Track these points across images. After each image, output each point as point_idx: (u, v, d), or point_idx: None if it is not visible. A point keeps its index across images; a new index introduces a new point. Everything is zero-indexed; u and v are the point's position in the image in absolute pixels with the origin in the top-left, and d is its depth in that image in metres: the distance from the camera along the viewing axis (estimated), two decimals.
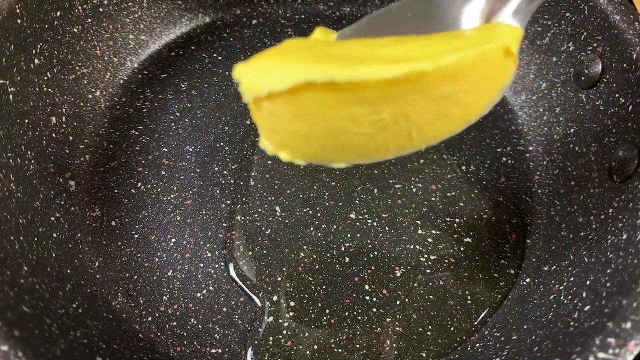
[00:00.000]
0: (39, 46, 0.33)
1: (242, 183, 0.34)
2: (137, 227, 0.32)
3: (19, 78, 0.31)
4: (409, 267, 0.31)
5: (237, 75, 0.19)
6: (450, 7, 0.23)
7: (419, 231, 0.32)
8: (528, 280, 0.31)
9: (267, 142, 0.20)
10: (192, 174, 0.34)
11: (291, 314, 0.29)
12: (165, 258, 0.31)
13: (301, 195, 0.34)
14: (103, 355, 0.26)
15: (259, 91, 0.19)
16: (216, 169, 0.35)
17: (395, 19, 0.23)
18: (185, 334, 0.29)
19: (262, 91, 0.18)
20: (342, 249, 0.32)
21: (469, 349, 0.28)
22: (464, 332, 0.29)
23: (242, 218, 0.33)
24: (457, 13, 0.23)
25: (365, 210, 0.33)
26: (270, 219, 0.33)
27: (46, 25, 0.33)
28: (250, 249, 0.32)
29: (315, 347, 0.29)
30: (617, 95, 0.30)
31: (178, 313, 0.30)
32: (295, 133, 0.19)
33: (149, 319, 0.29)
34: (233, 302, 0.30)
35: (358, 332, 0.29)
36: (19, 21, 0.31)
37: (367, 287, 0.30)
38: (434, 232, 0.32)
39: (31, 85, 0.32)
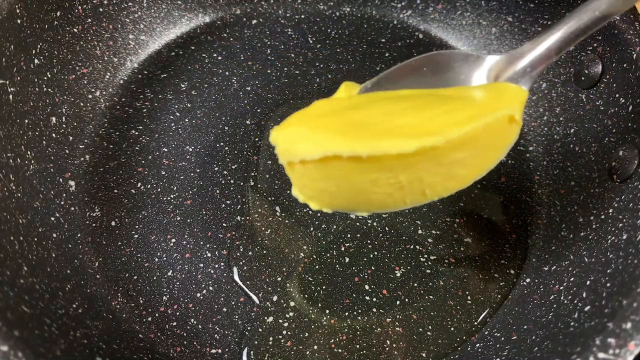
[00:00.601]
0: (39, 46, 0.33)
1: (242, 183, 0.34)
2: (137, 227, 0.32)
3: (19, 78, 0.31)
4: (409, 267, 0.31)
5: (273, 140, 0.22)
6: (461, 67, 0.26)
7: (419, 231, 0.32)
8: (528, 280, 0.31)
9: (299, 193, 0.24)
10: (192, 174, 0.34)
11: (291, 314, 0.29)
12: (165, 258, 0.31)
13: None
14: (103, 355, 0.26)
15: (293, 157, 0.22)
16: (216, 169, 0.35)
17: (412, 73, 0.27)
18: (185, 334, 0.29)
19: (295, 158, 0.22)
20: (342, 249, 0.32)
21: (469, 349, 0.28)
22: (464, 332, 0.29)
23: (242, 218, 0.33)
24: (468, 72, 0.26)
25: None
26: (270, 219, 0.33)
27: (46, 25, 0.33)
28: (250, 249, 0.32)
29: (315, 347, 0.29)
30: (617, 95, 0.30)
31: (178, 313, 0.30)
32: (323, 190, 0.23)
33: (149, 319, 0.29)
34: (233, 302, 0.30)
35: (358, 332, 0.29)
36: (19, 21, 0.31)
37: (367, 287, 0.30)
38: (434, 232, 0.32)
39: (31, 85, 0.32)
